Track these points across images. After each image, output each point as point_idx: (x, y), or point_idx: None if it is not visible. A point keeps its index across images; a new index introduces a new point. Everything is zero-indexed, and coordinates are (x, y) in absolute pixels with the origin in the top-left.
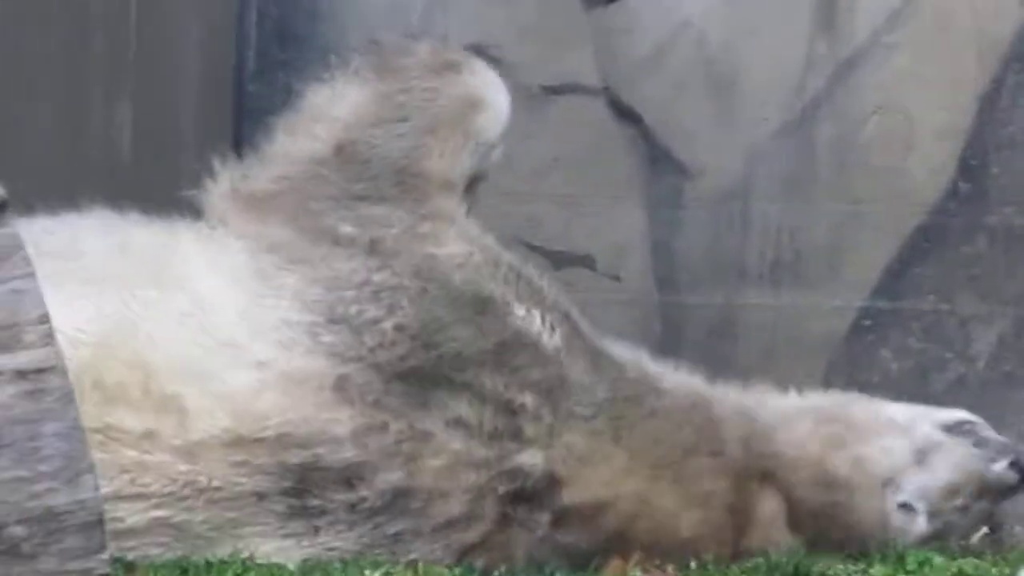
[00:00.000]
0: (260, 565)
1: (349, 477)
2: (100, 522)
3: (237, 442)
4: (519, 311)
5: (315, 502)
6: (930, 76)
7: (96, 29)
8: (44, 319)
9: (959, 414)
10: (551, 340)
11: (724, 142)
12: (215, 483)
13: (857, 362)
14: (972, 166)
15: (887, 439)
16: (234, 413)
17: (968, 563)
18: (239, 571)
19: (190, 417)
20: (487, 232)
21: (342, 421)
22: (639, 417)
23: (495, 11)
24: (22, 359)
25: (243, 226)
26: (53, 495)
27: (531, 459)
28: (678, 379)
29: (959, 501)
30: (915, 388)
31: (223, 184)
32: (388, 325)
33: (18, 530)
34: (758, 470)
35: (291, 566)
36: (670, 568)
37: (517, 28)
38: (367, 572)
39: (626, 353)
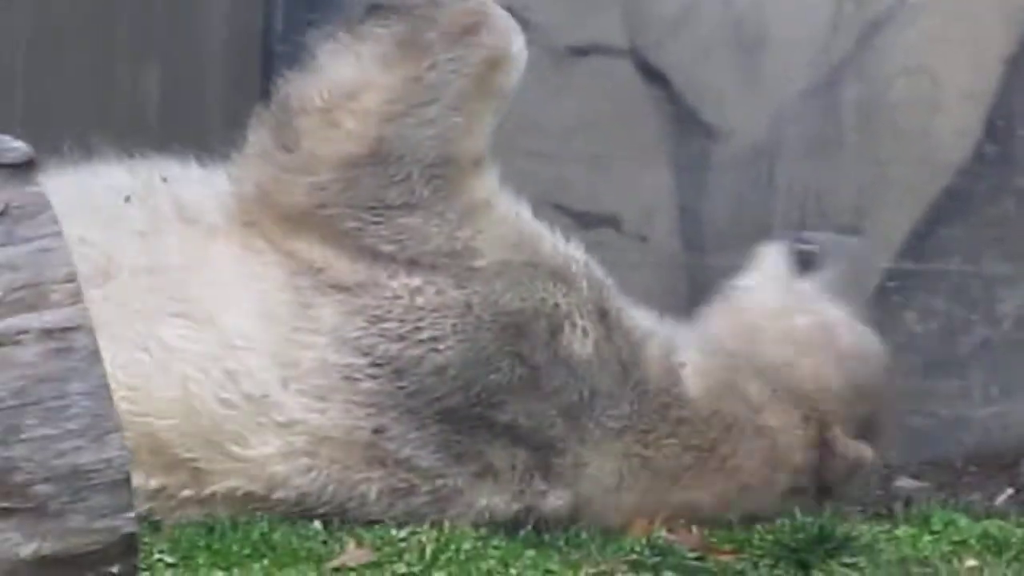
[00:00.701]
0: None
1: None
2: (127, 480)
3: (255, 498)
4: (557, 320)
5: None
6: (956, 38)
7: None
8: (71, 277)
9: None
10: (583, 350)
11: (751, 104)
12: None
13: (882, 324)
14: (998, 128)
15: None
16: (253, 478)
17: (993, 524)
18: (264, 531)
19: (203, 475)
20: (520, 199)
21: (372, 481)
22: (665, 434)
23: None
24: (48, 318)
25: (278, 239)
26: (80, 453)
27: (557, 501)
28: (700, 367)
29: None
30: (940, 350)
31: (253, 175)
32: (430, 366)
33: (45, 488)
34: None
35: (317, 524)
36: (694, 528)
37: None
38: (393, 532)
39: (651, 333)
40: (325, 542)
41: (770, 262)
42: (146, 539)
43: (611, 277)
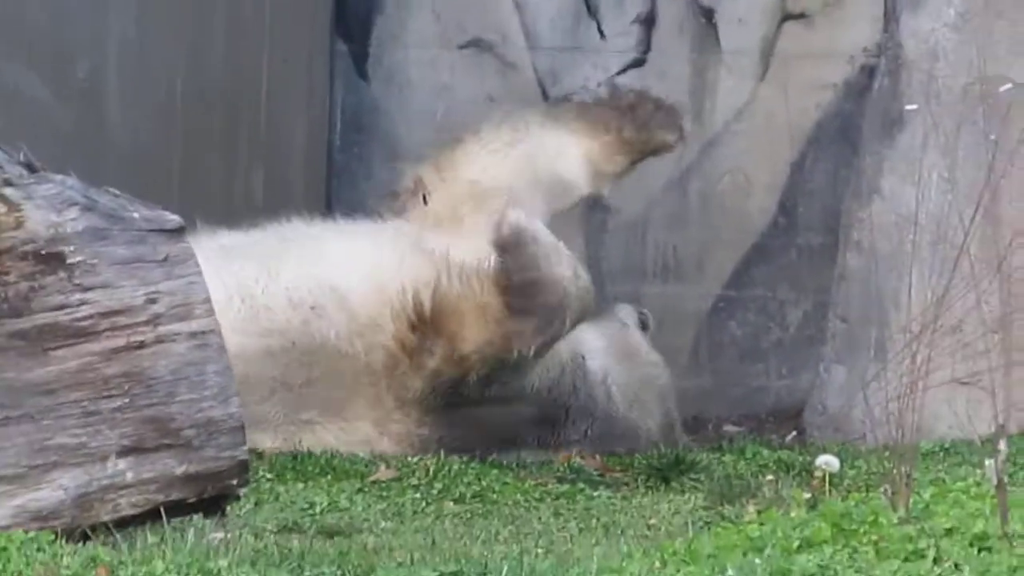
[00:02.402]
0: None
1: None
2: (241, 427)
3: None
4: None
5: None
6: (760, 150)
7: (241, 117)
8: (207, 301)
9: None
10: None
11: (632, 191)
12: None
13: (712, 329)
14: (786, 207)
15: None
16: None
17: (784, 453)
18: (328, 457)
19: None
20: None
21: None
22: None
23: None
24: (194, 325)
25: None
26: (212, 409)
27: None
28: None
29: None
30: (751, 346)
31: None
32: None
33: (190, 431)
34: None
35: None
36: (597, 456)
37: None
38: (408, 458)
39: None
40: (366, 464)
41: (625, 314)
42: (253, 463)
43: None
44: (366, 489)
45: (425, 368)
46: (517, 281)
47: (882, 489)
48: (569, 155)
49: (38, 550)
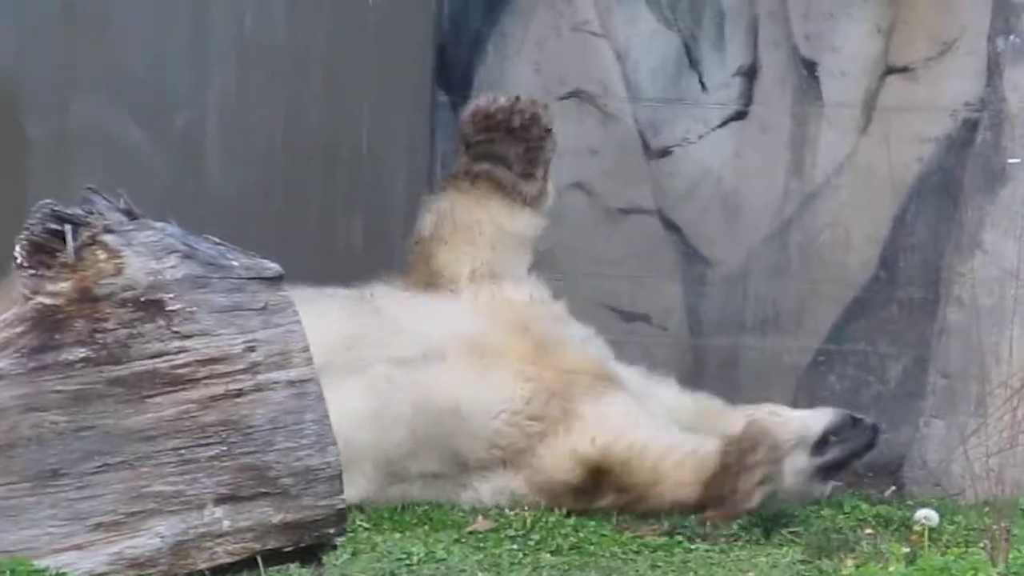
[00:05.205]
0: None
1: None
2: (339, 476)
3: None
4: None
5: None
6: (861, 204)
7: (340, 167)
8: (306, 349)
9: None
10: None
11: (732, 244)
12: None
13: (812, 384)
14: (887, 261)
15: None
16: None
17: (883, 507)
18: (425, 508)
19: None
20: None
21: None
22: None
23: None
24: (292, 373)
25: None
26: (310, 458)
27: None
28: None
29: None
30: (850, 401)
31: None
32: None
33: (288, 480)
34: None
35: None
36: None
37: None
38: (505, 510)
39: None
40: (462, 515)
41: None
42: (351, 512)
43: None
44: (463, 540)
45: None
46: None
47: (981, 544)
48: (491, 216)
49: None
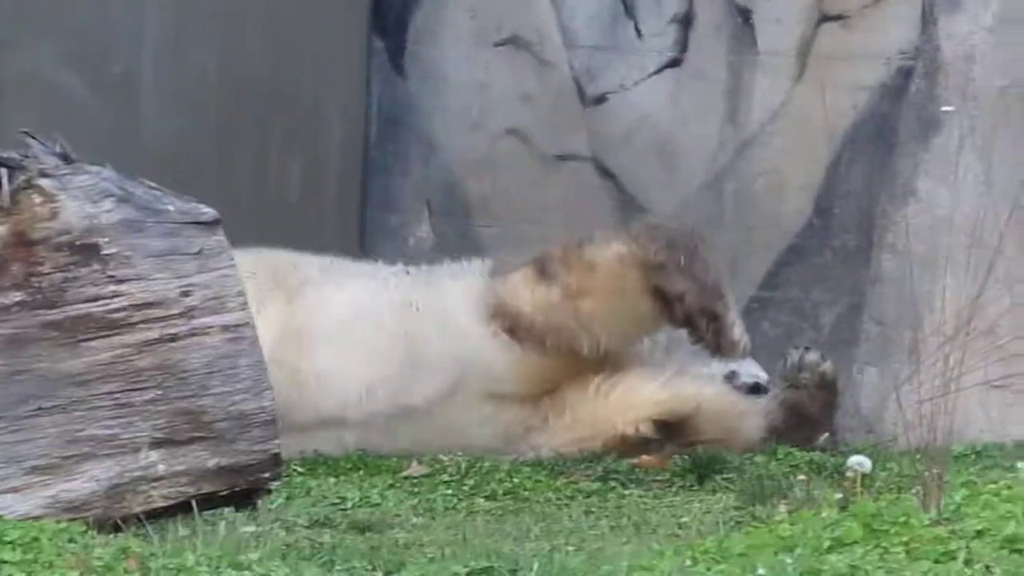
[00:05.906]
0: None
1: None
2: (274, 421)
3: None
4: None
5: None
6: (797, 151)
7: (276, 113)
8: (241, 294)
9: None
10: None
11: (668, 192)
12: None
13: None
14: (822, 208)
15: None
16: None
17: (815, 455)
18: (361, 453)
19: None
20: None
21: None
22: None
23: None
24: (227, 318)
25: None
26: (245, 403)
27: None
28: None
29: None
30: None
31: None
32: None
33: (223, 424)
34: None
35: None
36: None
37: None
38: (440, 456)
39: None
40: (396, 460)
41: None
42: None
43: None
44: (397, 485)
45: None
46: None
47: (914, 490)
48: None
49: (69, 541)
